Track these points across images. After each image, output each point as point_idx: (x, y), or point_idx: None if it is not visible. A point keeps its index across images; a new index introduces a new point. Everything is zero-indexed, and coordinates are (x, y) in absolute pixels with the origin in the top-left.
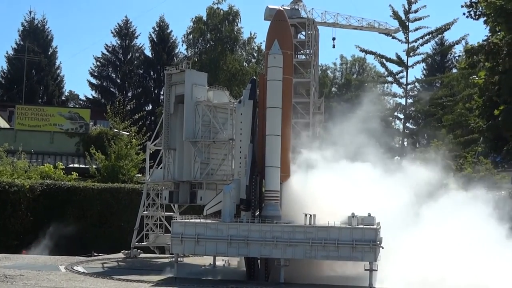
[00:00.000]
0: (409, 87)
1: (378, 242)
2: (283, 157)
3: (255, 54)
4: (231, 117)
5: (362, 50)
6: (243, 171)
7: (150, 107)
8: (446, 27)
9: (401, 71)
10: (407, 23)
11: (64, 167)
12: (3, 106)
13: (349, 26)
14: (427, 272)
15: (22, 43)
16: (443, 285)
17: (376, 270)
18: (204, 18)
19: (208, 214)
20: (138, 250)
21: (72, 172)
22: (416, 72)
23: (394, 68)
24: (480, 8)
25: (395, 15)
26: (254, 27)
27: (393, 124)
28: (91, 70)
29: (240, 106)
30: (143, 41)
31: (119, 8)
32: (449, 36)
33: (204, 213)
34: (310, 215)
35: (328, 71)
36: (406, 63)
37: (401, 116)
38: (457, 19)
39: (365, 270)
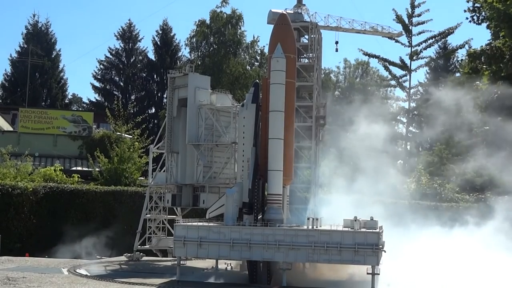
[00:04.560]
0: (412, 90)
1: (381, 246)
2: (285, 161)
3: (258, 58)
4: (234, 121)
5: (366, 54)
6: (246, 175)
7: (153, 110)
8: (450, 31)
9: (405, 75)
10: (410, 27)
11: (62, 168)
12: (7, 109)
13: (352, 30)
14: None
15: (25, 46)
16: None
17: (378, 274)
18: (208, 21)
19: (210, 217)
20: (141, 253)
21: (73, 175)
22: (419, 76)
23: (398, 71)
24: (483, 13)
25: (399, 19)
26: (257, 31)
27: (396, 128)
28: (95, 73)
29: (243, 110)
30: (147, 44)
31: (123, 12)
32: (453, 40)
33: (207, 216)
34: (313, 219)
35: (331, 75)
36: (409, 66)
37: (404, 120)
38: (460, 23)
39: (368, 273)
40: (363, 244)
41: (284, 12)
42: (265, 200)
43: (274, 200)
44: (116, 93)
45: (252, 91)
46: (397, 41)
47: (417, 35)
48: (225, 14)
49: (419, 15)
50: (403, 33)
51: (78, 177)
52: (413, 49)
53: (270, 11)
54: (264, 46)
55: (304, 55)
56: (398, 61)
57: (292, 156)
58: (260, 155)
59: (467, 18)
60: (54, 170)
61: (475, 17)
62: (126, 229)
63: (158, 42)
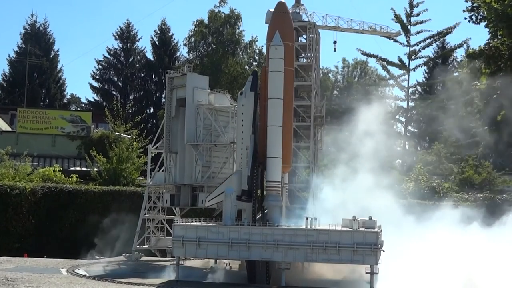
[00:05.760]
0: (410, 90)
1: (379, 245)
2: (284, 148)
3: (257, 58)
4: (233, 120)
5: (364, 53)
6: (245, 162)
7: (152, 110)
8: (448, 31)
9: (403, 74)
10: (408, 27)
11: (61, 169)
12: (5, 109)
13: (350, 30)
14: None
15: (24, 46)
16: None
17: (377, 273)
18: (206, 21)
19: (209, 217)
20: (140, 253)
21: (72, 175)
22: (418, 75)
23: (396, 71)
24: (482, 12)
25: (397, 18)
26: (255, 31)
27: (394, 127)
28: (93, 73)
29: (242, 98)
30: (145, 44)
31: (121, 12)
32: (451, 40)
33: (205, 204)
34: (312, 218)
35: (330, 74)
36: (407, 66)
37: (403, 119)
38: (459, 23)
39: (366, 273)
40: (362, 244)
41: (283, 1)
42: (265, 187)
43: (273, 187)
44: (114, 93)
45: (250, 79)
46: (395, 40)
47: (416, 34)
48: (223, 14)
49: (417, 15)
50: (401, 32)
51: (76, 177)
52: (411, 49)
53: (268, 11)
54: (262, 46)
55: (302, 55)
56: (396, 61)
57: (291, 144)
58: (259, 143)
59: (465, 18)
60: (53, 171)
61: (473, 17)
62: (125, 229)
63: (157, 42)
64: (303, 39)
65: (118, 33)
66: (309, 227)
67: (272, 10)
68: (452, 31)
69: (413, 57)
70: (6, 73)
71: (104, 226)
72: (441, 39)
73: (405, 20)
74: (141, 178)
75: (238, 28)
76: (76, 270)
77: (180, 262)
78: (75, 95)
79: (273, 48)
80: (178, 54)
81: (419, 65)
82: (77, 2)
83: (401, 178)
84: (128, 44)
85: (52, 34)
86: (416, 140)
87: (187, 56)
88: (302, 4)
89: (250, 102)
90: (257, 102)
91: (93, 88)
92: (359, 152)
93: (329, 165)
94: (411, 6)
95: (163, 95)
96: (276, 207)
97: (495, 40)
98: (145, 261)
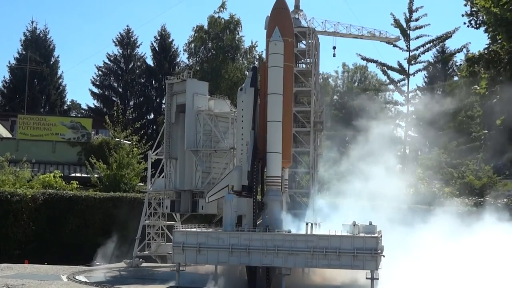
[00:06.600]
0: (410, 95)
1: (379, 251)
2: (284, 144)
3: (256, 63)
4: (232, 126)
5: (364, 59)
6: (245, 158)
7: (152, 116)
8: (447, 35)
9: (403, 79)
10: (408, 32)
11: (61, 175)
12: (5, 116)
13: (349, 35)
14: None
15: (24, 52)
16: None
17: (378, 279)
18: (206, 27)
19: (210, 223)
20: (140, 259)
21: (72, 181)
22: (418, 80)
23: (396, 76)
24: (481, 17)
25: (396, 23)
26: (255, 36)
27: (394, 132)
28: (93, 80)
29: (242, 94)
30: (145, 50)
31: (121, 18)
32: (451, 44)
33: (206, 200)
34: (312, 224)
35: (330, 79)
36: (407, 71)
37: (403, 124)
38: (458, 27)
39: (367, 278)
40: (362, 249)
41: None
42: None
43: (273, 182)
44: (114, 99)
45: (250, 75)
46: (395, 45)
47: (415, 39)
48: (223, 20)
49: (417, 20)
50: (401, 37)
51: (76, 183)
52: (411, 54)
53: (267, 17)
54: (262, 51)
55: (302, 60)
56: (396, 66)
57: (291, 140)
58: (259, 139)
59: (464, 23)
60: (54, 177)
61: (472, 22)
62: (125, 235)
63: (157, 48)
64: (302, 45)
65: (118, 39)
66: (309, 232)
67: None
68: (451, 36)
69: (412, 62)
70: (7, 80)
71: (104, 232)
72: (441, 43)
73: (404, 25)
74: (141, 184)
75: (238, 34)
76: (77, 277)
77: (181, 268)
78: (76, 101)
79: (273, 43)
80: (178, 60)
81: (419, 70)
82: (77, 9)
83: (401, 183)
84: (128, 50)
85: (52, 40)
86: (417, 145)
87: (187, 62)
88: (301, 10)
89: (250, 98)
90: (257, 97)
91: (93, 94)
92: (361, 155)
93: (329, 171)
94: (411, 11)
95: (163, 101)
96: (276, 202)
97: (495, 44)
98: (146, 268)
